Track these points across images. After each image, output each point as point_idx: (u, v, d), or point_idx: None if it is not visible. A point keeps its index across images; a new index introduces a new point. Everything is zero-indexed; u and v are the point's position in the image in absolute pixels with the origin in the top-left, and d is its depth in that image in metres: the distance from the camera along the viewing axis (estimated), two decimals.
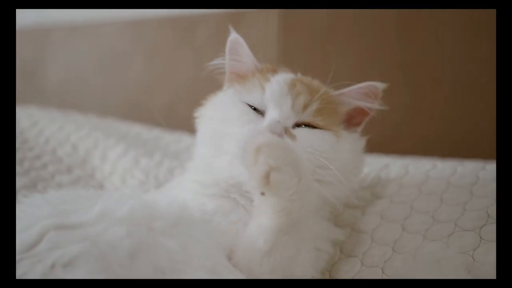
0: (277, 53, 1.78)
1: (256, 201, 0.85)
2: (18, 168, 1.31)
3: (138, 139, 1.59)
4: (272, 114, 0.96)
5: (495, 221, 0.97)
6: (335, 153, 0.97)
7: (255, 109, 0.99)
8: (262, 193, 0.81)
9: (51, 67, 2.35)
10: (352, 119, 1.06)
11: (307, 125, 0.98)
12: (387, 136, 1.62)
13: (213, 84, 1.12)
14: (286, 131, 0.95)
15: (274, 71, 1.06)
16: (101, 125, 1.65)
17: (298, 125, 0.98)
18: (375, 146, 1.47)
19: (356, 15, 1.68)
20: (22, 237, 0.74)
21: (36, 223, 0.76)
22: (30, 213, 0.80)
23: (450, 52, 1.56)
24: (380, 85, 1.02)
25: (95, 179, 1.40)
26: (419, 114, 1.62)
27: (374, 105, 1.03)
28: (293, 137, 0.95)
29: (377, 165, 1.27)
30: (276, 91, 0.98)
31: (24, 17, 2.17)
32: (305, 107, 0.98)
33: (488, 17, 1.46)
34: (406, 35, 1.61)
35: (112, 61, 2.21)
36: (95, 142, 1.48)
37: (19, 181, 1.25)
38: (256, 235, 0.86)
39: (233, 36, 1.06)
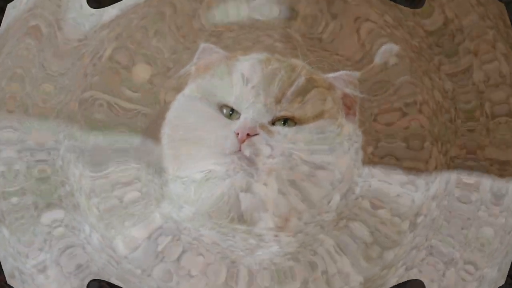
0: None
1: None
2: None
3: None
4: (244, 112, 0.78)
5: None
6: (331, 145, 0.82)
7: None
8: None
9: None
10: (347, 108, 0.93)
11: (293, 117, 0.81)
12: None
13: None
14: (263, 127, 0.77)
15: (245, 53, 0.85)
16: None
17: (282, 118, 0.79)
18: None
19: None
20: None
21: None
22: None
23: None
24: (355, 74, 0.95)
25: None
26: None
27: (357, 93, 0.92)
28: (270, 133, 0.78)
29: None
30: (246, 72, 0.79)
31: None
32: (286, 90, 0.79)
33: None
34: None
35: None
36: None
37: None
38: None
39: (204, 44, 0.84)
